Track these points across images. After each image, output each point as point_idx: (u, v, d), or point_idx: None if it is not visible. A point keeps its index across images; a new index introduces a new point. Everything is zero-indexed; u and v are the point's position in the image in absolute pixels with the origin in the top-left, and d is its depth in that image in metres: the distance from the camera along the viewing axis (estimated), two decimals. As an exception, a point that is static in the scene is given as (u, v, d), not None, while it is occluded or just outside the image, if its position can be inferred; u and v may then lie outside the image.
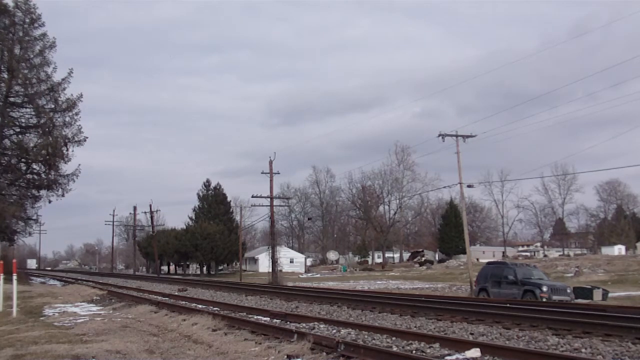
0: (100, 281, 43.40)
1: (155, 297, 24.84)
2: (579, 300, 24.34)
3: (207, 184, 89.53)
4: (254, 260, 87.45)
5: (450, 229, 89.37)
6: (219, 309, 18.19)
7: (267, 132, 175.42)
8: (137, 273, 79.55)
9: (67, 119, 44.43)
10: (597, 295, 26.35)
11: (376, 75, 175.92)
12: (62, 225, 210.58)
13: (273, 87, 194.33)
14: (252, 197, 48.19)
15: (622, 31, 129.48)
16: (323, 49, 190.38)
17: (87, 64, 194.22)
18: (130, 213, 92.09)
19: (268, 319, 15.51)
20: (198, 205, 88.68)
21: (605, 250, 77.79)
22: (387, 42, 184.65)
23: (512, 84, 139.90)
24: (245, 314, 16.97)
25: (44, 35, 43.97)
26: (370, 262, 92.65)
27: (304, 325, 13.64)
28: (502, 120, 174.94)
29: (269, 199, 47.31)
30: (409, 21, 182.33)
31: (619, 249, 77.69)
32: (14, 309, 17.25)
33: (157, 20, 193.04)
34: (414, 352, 10.04)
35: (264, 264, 72.13)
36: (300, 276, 65.27)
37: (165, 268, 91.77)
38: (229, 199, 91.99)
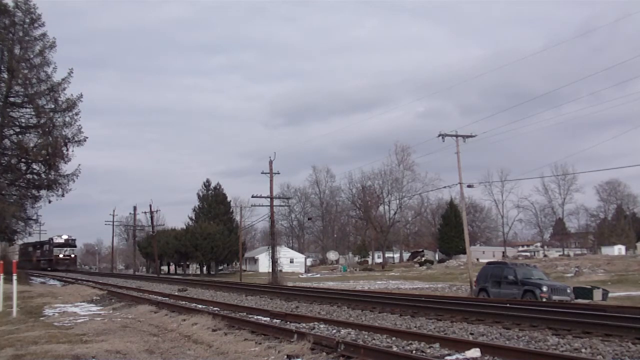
0: (100, 281, 43.34)
1: (155, 297, 24.80)
2: (579, 300, 24.34)
3: (207, 184, 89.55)
4: (254, 260, 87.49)
5: (450, 229, 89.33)
6: (219, 309, 18.17)
7: (270, 132, 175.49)
8: (137, 273, 79.50)
9: (67, 119, 44.32)
10: (597, 295, 26.36)
11: (380, 75, 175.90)
12: (62, 225, 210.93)
13: (277, 87, 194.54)
14: (252, 197, 48.31)
15: (628, 31, 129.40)
16: (328, 49, 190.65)
17: (92, 64, 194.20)
18: (130, 213, 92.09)
19: (268, 319, 15.49)
20: (198, 205, 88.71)
21: (605, 250, 77.87)
22: (391, 42, 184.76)
23: (516, 84, 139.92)
24: (245, 314, 16.96)
25: (44, 35, 43.92)
26: (370, 262, 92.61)
27: (304, 325, 13.63)
28: (503, 120, 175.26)
29: (269, 199, 47.34)
30: (414, 21, 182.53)
31: (619, 249, 77.76)
32: (14, 309, 17.23)
33: (162, 20, 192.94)
34: (414, 352, 10.04)
35: (264, 264, 72.14)
36: (300, 276, 65.27)
37: (165, 268, 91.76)
38: (229, 199, 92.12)
